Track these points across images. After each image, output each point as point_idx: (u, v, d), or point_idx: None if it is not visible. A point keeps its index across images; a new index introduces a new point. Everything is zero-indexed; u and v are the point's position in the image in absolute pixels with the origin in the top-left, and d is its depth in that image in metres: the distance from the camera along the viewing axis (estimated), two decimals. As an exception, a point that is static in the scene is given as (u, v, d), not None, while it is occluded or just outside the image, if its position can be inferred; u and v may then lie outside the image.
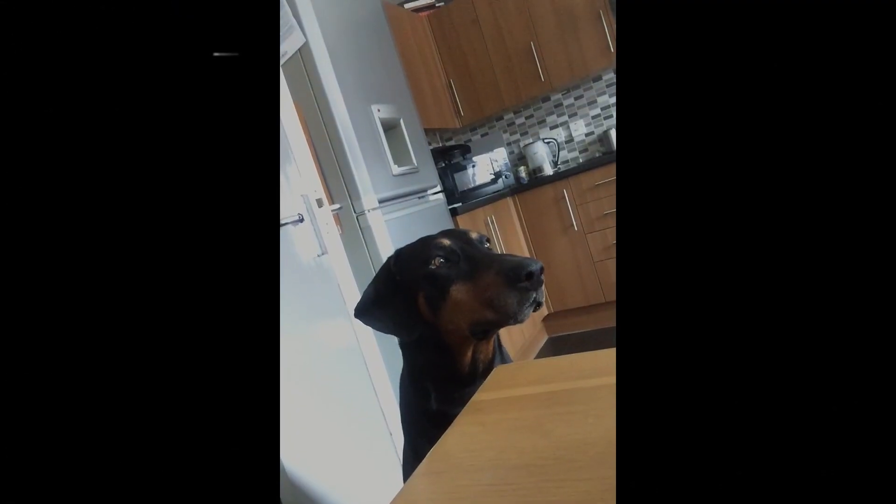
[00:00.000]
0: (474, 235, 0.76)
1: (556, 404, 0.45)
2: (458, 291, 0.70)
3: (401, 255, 0.79)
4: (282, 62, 1.62)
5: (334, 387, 1.48)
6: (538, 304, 0.67)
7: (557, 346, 2.76)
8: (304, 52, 1.72)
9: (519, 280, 0.64)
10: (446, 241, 0.74)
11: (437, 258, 0.72)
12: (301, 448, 1.66)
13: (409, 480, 0.39)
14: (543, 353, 2.70)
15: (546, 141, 3.19)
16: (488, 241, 0.77)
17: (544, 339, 2.88)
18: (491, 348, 0.76)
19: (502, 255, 0.70)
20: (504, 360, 0.81)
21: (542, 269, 0.65)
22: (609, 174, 2.57)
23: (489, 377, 0.57)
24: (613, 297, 2.65)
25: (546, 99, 3.23)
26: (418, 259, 0.74)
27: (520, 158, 3.34)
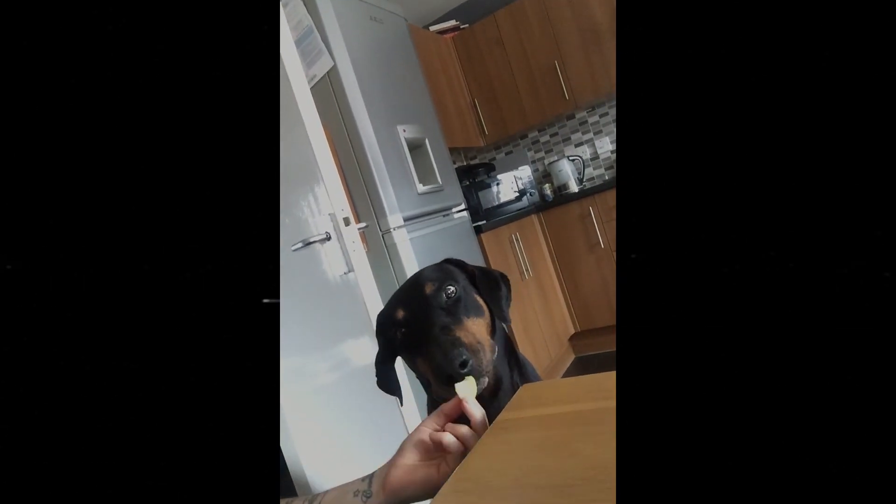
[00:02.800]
0: (429, 290, 0.72)
1: (583, 424, 0.44)
2: (422, 365, 0.70)
3: (378, 323, 0.79)
4: (311, 85, 1.67)
5: (360, 403, 1.48)
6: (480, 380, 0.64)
7: (584, 365, 2.71)
8: (332, 75, 1.77)
9: (444, 382, 0.62)
10: (400, 314, 0.72)
11: (399, 331, 0.72)
12: (326, 464, 1.66)
13: (434, 499, 0.39)
14: (570, 373, 2.65)
15: (571, 158, 3.18)
16: (453, 283, 0.72)
17: (571, 358, 2.83)
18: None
19: (440, 323, 0.67)
20: (526, 376, 0.79)
21: (463, 364, 0.61)
22: (635, 191, 2.54)
23: (514, 397, 0.56)
24: (642, 315, 2.59)
25: (571, 117, 3.23)
26: (386, 333, 0.76)
27: (545, 176, 3.34)
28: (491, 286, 0.78)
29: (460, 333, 0.66)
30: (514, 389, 0.74)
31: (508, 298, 0.78)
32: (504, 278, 0.80)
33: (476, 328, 0.70)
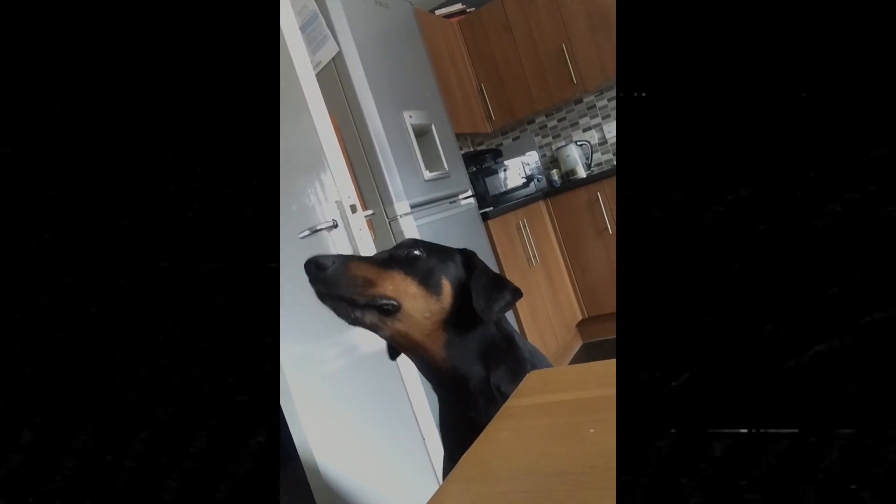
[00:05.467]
0: (400, 242, 0.81)
1: (592, 411, 0.44)
2: None
3: None
4: (316, 71, 1.66)
5: (368, 390, 1.49)
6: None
7: (592, 351, 2.71)
8: (337, 61, 1.76)
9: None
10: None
11: None
12: (335, 449, 1.68)
13: (441, 486, 0.39)
14: (577, 359, 2.66)
15: (579, 143, 3.15)
16: (429, 253, 0.79)
17: (578, 344, 2.83)
18: (435, 349, 0.76)
19: (373, 255, 0.78)
20: (519, 377, 0.79)
21: (318, 265, 0.69)
22: (644, 176, 2.51)
23: (521, 383, 0.56)
24: (650, 301, 2.58)
25: (579, 101, 3.19)
26: None
27: (552, 161, 3.31)
28: (492, 286, 0.78)
29: (363, 265, 0.73)
30: (493, 391, 0.74)
31: (507, 306, 0.78)
32: (515, 292, 0.80)
33: (396, 283, 0.74)
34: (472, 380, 0.76)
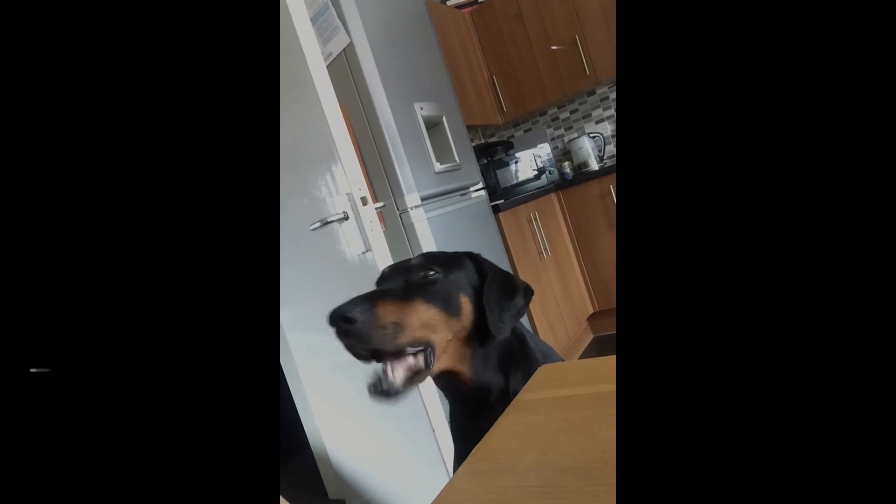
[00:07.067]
0: (413, 262, 0.75)
1: (603, 405, 0.44)
2: None
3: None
4: (327, 63, 1.66)
5: (378, 382, 1.50)
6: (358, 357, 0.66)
7: (603, 344, 2.70)
8: (348, 52, 1.75)
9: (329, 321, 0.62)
10: (386, 269, 0.78)
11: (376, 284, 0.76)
12: (345, 439, 1.69)
13: (452, 478, 0.39)
14: (588, 353, 2.65)
15: (591, 135, 3.12)
16: (443, 270, 0.73)
17: (589, 338, 2.82)
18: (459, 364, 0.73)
19: (388, 286, 0.71)
20: (534, 360, 0.77)
21: (347, 320, 0.60)
22: (657, 169, 2.49)
23: (532, 377, 0.56)
24: (662, 295, 2.56)
25: (591, 92, 3.16)
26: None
27: (564, 153, 3.28)
28: (504, 292, 0.75)
29: (388, 306, 0.65)
30: (510, 399, 0.71)
31: (521, 312, 0.74)
32: (526, 292, 0.76)
33: (419, 315, 0.67)
34: (493, 391, 0.73)
